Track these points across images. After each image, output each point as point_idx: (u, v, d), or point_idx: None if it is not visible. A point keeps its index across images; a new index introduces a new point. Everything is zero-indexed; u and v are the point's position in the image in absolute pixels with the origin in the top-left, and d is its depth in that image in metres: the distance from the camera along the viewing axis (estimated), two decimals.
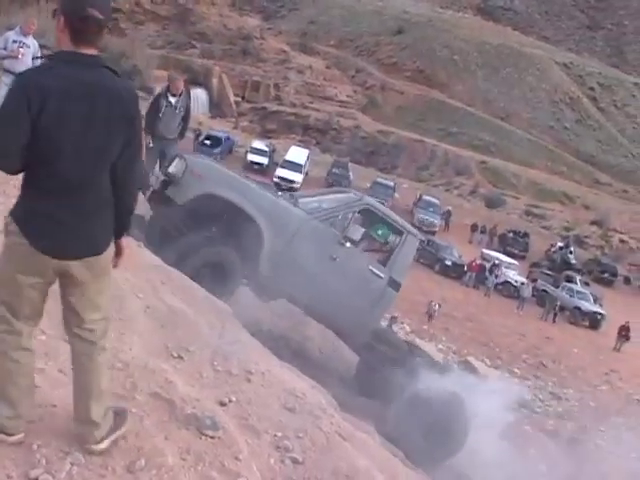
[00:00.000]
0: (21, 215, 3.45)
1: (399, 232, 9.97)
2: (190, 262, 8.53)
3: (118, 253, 3.79)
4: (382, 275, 9.57)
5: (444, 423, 9.04)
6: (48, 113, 3.27)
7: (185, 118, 12.16)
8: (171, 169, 9.11)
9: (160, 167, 10.53)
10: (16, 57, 12.06)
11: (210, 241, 8.83)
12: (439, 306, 31.46)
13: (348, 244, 9.39)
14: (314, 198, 10.64)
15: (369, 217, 10.19)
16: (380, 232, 10.08)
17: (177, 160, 9.23)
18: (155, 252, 8.25)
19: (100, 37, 3.45)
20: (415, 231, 10.27)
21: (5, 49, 12.11)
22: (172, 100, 11.82)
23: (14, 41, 12.15)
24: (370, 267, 9.59)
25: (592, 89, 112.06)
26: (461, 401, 9.25)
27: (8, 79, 12.11)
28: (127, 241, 3.86)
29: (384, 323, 11.10)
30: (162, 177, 9.27)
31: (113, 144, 3.49)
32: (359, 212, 9.89)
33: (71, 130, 3.36)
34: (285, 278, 9.08)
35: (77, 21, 3.36)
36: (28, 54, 12.19)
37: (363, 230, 9.98)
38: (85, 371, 3.74)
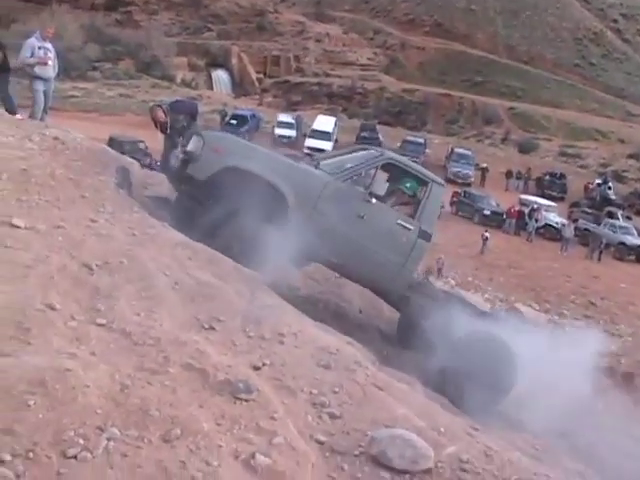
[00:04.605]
0: None
1: (424, 182, 9.87)
2: (218, 239, 8.51)
3: None
4: (411, 227, 9.50)
5: (488, 367, 8.94)
6: None
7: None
8: (189, 147, 9.00)
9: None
10: (46, 64, 12.36)
11: (236, 215, 8.77)
12: (487, 238, 33.56)
13: (374, 200, 9.32)
14: (335, 159, 10.55)
15: (392, 171, 10.10)
16: (408, 185, 9.97)
17: (194, 137, 9.14)
18: (183, 233, 8.24)
19: None
20: (440, 180, 10.13)
21: (32, 56, 12.34)
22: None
23: (39, 47, 12.39)
24: (398, 221, 9.51)
25: (615, 21, 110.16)
26: (504, 343, 9.14)
27: (38, 85, 12.42)
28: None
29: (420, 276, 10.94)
30: (181, 156, 9.17)
31: None
32: (382, 167, 9.79)
33: None
34: (314, 243, 9.02)
35: None
36: (53, 59, 12.55)
37: (387, 184, 9.89)
38: None
